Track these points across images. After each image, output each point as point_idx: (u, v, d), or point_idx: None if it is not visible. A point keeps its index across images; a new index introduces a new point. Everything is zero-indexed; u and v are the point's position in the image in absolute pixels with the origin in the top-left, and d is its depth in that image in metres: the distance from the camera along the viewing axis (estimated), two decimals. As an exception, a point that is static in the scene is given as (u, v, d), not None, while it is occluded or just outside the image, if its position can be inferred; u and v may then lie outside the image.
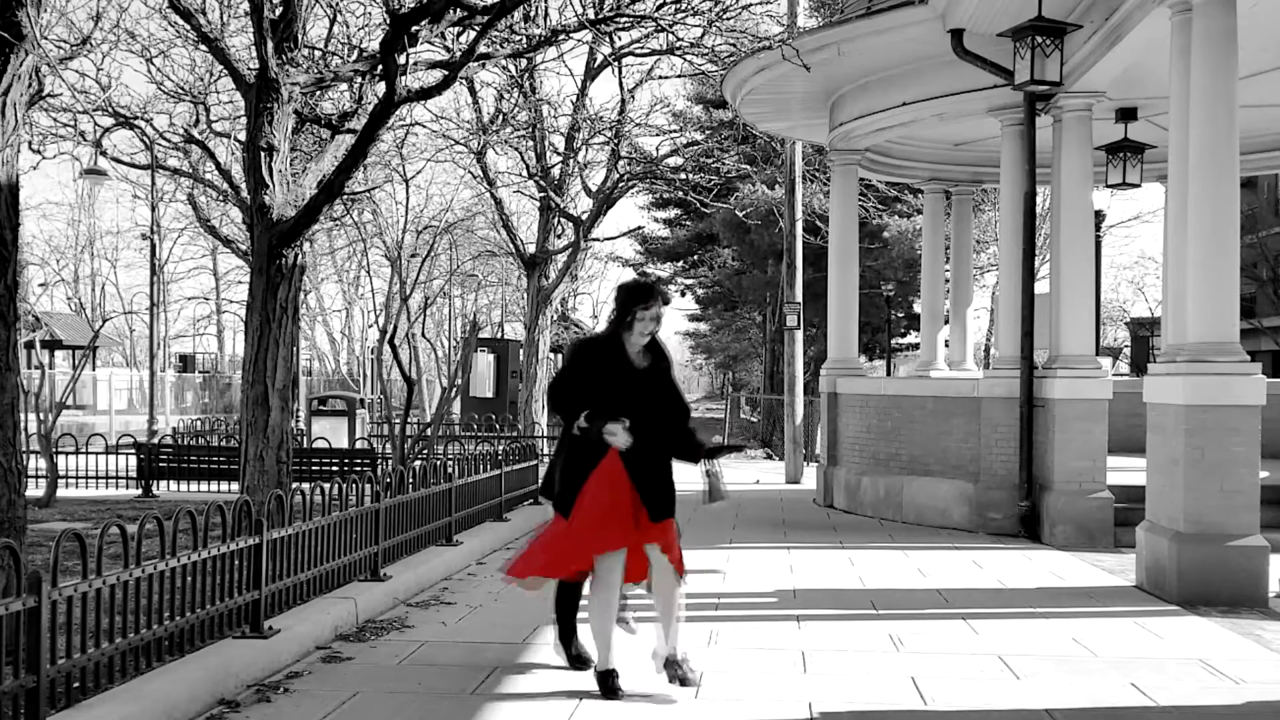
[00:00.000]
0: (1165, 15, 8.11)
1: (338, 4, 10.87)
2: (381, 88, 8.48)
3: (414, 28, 8.14)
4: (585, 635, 5.64)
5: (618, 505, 5.19)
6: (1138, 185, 12.97)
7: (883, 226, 30.21)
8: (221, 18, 10.88)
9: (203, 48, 10.56)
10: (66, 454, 14.45)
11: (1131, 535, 8.89)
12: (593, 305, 42.24)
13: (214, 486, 14.07)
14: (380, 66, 8.45)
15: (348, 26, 11.23)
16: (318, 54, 10.69)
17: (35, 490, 11.79)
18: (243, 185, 12.96)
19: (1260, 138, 13.13)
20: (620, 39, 17.09)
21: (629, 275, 44.21)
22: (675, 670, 5.33)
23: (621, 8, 9.47)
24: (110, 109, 14.42)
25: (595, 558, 5.26)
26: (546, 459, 18.74)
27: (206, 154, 14.50)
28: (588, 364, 5.32)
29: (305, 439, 17.24)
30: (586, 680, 5.53)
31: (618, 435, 5.15)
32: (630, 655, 5.60)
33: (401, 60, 8.26)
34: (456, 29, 9.05)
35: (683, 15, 9.64)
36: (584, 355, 5.39)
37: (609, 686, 5.28)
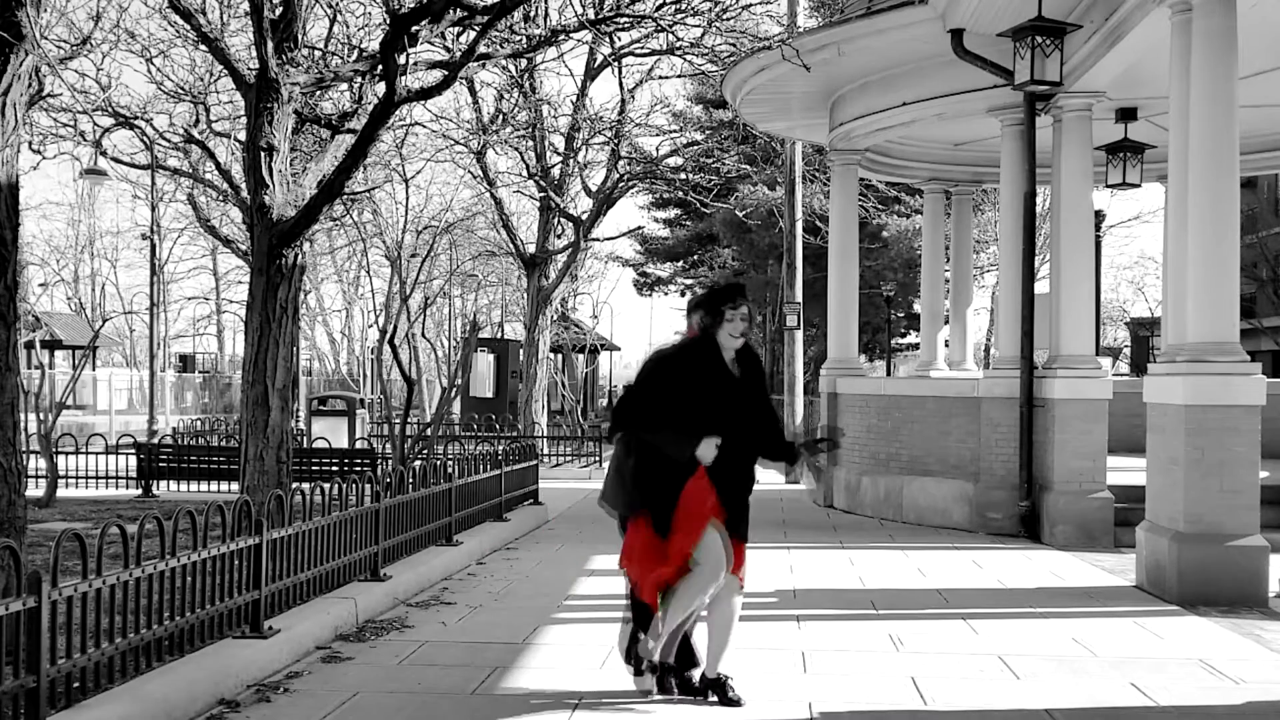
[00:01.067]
0: (1165, 15, 8.11)
1: (338, 4, 10.87)
2: (381, 88, 8.48)
3: (414, 28, 8.14)
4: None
5: (711, 515, 4.95)
6: (1138, 185, 12.98)
7: (883, 226, 30.22)
8: (221, 18, 10.89)
9: (203, 48, 10.57)
10: (66, 454, 14.45)
11: (1131, 535, 8.89)
12: (593, 305, 42.20)
13: (214, 486, 14.06)
14: (380, 66, 8.45)
15: (348, 26, 11.24)
16: (318, 54, 10.70)
17: (35, 490, 11.79)
18: (243, 185, 12.96)
19: (1260, 138, 13.13)
20: (620, 39, 17.13)
21: (629, 275, 44.25)
22: (723, 693, 5.11)
23: (621, 8, 9.47)
24: (110, 109, 14.42)
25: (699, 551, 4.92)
26: (546, 459, 18.86)
27: (206, 154, 14.50)
28: (678, 375, 4.95)
29: (305, 439, 17.24)
30: (587, 680, 5.53)
31: (708, 451, 4.85)
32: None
33: (401, 60, 8.26)
34: (456, 29, 9.05)
35: (683, 15, 9.65)
36: (673, 365, 5.02)
37: (730, 696, 5.09)
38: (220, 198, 17.50)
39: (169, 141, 15.85)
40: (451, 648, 6.25)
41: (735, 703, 5.08)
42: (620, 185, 21.44)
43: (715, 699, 5.13)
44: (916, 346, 30.14)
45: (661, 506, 4.93)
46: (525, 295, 24.13)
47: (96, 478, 14.67)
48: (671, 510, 4.90)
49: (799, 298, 17.82)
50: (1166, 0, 7.99)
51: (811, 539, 10.73)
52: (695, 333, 5.10)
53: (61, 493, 13.53)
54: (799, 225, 17.95)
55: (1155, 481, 8.12)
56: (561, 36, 10.29)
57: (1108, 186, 13.42)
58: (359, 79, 9.51)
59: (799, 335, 18.07)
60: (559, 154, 21.65)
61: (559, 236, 22.21)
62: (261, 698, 5.21)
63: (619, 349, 55.03)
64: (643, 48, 16.92)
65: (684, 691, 5.21)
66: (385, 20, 9.39)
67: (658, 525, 4.96)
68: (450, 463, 9.55)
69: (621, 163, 21.20)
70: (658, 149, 23.35)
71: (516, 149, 21.19)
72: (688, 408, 4.89)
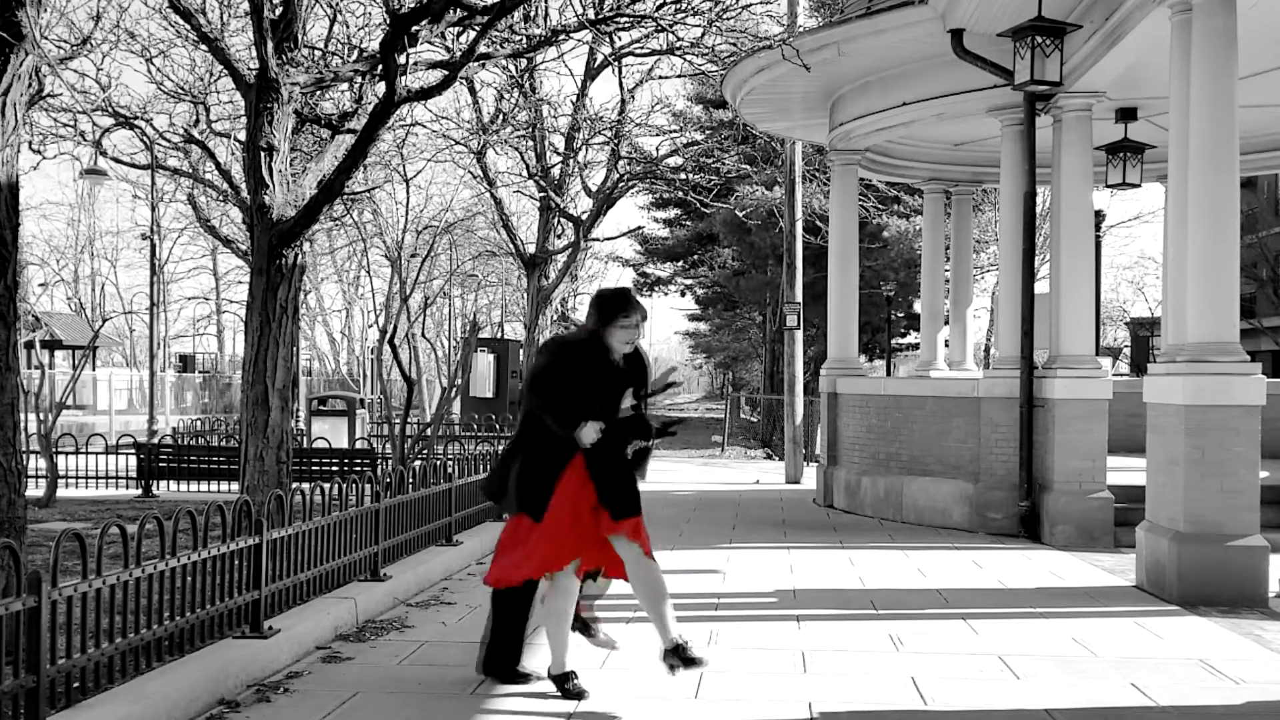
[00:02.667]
0: (1165, 15, 8.11)
1: (338, 4, 10.88)
2: (381, 88, 8.48)
3: (414, 28, 8.14)
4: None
5: (585, 508, 5.15)
6: (1138, 185, 12.97)
7: (883, 226, 30.21)
8: (221, 18, 10.89)
9: (203, 48, 10.57)
10: (66, 454, 14.45)
11: (1131, 535, 8.89)
12: (593, 305, 42.09)
13: (214, 486, 14.07)
14: (380, 66, 8.45)
15: (348, 26, 11.24)
16: (318, 54, 10.70)
17: (35, 490, 11.79)
18: (243, 185, 12.97)
19: (1260, 138, 13.13)
20: (620, 39, 17.11)
21: (629, 275, 44.26)
22: (680, 655, 5.05)
23: (621, 8, 9.48)
24: (110, 109, 14.43)
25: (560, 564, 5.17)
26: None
27: (206, 154, 14.51)
28: (571, 364, 5.21)
29: (305, 439, 17.24)
30: (586, 680, 5.53)
31: (589, 433, 5.10)
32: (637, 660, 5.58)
33: (401, 60, 8.26)
34: (456, 29, 9.05)
35: (683, 15, 9.65)
36: (568, 355, 5.27)
37: (571, 689, 5.24)
38: (220, 198, 17.50)
39: (169, 141, 15.86)
40: (451, 648, 6.25)
41: (692, 661, 5.06)
42: (620, 185, 21.44)
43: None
44: (916, 346, 30.12)
45: (541, 486, 5.15)
46: (525, 295, 24.14)
47: (96, 478, 14.67)
48: (547, 499, 5.12)
49: (799, 298, 17.82)
50: (1166, 0, 7.99)
51: (811, 539, 10.73)
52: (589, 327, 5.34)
53: (61, 493, 13.53)
54: (799, 225, 17.94)
55: (1155, 481, 8.12)
56: (561, 36, 10.28)
57: (1108, 186, 13.42)
58: (359, 79, 9.52)
59: (799, 335, 18.07)
60: (559, 154, 21.65)
61: (559, 236, 22.20)
62: (261, 698, 5.21)
63: (619, 349, 54.95)
64: (643, 48, 16.93)
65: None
66: (385, 20, 9.39)
67: (531, 506, 5.16)
68: (450, 463, 9.55)
69: (621, 163, 21.20)
70: (658, 149, 23.35)
71: (516, 149, 21.19)
72: (579, 393, 5.16)
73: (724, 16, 10.63)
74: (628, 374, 5.32)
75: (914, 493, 11.85)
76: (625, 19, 9.63)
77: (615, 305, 5.23)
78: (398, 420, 13.91)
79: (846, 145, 13.41)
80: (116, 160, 18.35)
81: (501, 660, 5.51)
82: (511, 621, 5.50)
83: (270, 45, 8.67)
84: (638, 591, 5.22)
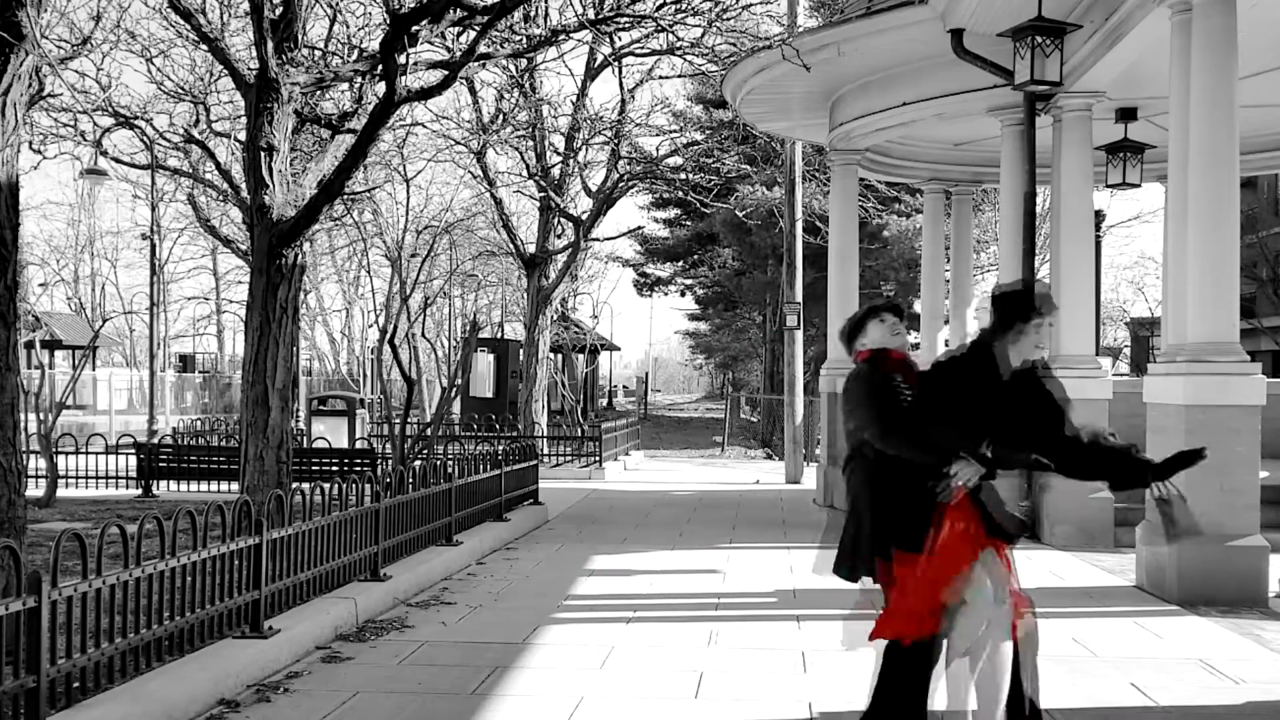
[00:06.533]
0: (1165, 15, 8.10)
1: (338, 4, 10.88)
2: (381, 88, 8.48)
3: (414, 28, 8.14)
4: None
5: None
6: (1138, 185, 12.97)
7: (883, 226, 30.19)
8: (221, 18, 10.89)
9: (203, 48, 10.57)
10: (66, 454, 14.44)
11: (1131, 535, 8.88)
12: (593, 305, 42.21)
13: (214, 486, 14.06)
14: (380, 66, 8.45)
15: (348, 26, 11.24)
16: (318, 54, 10.70)
17: (35, 490, 11.79)
18: (243, 185, 12.96)
19: (1260, 138, 13.12)
20: (620, 39, 17.13)
21: (629, 275, 44.22)
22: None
23: (621, 8, 9.47)
24: (110, 109, 14.43)
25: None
26: (546, 459, 18.78)
27: (206, 154, 14.51)
28: (953, 384, 4.27)
29: (305, 439, 17.24)
30: (587, 680, 5.53)
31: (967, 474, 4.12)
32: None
33: (401, 60, 8.26)
34: (456, 29, 9.05)
35: (683, 15, 9.65)
36: (950, 375, 4.33)
37: None
38: (220, 198, 17.50)
39: (169, 141, 15.86)
40: (451, 648, 6.25)
41: None
42: (620, 185, 21.42)
43: None
44: (916, 346, 30.10)
45: (919, 519, 4.17)
46: (525, 295, 24.11)
47: (96, 478, 14.67)
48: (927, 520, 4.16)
49: (799, 298, 17.81)
50: (1166, 0, 7.99)
51: (812, 539, 10.69)
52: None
53: (61, 493, 13.53)
54: (799, 225, 17.95)
55: (1155, 481, 8.10)
56: (561, 36, 10.28)
57: (1108, 186, 13.42)
58: (359, 79, 9.51)
59: (799, 335, 18.06)
60: (559, 154, 21.64)
61: (559, 236, 22.18)
62: (261, 698, 5.21)
63: (619, 349, 55.09)
64: (643, 48, 16.94)
65: None
66: (385, 20, 9.39)
67: (907, 541, 4.19)
68: (450, 463, 9.55)
69: (621, 163, 21.18)
70: (658, 149, 23.33)
71: (516, 149, 21.17)
72: (960, 416, 4.22)
73: (724, 16, 10.64)
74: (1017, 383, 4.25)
75: (914, 493, 11.82)
76: (625, 19, 9.63)
77: (1023, 303, 4.24)
78: (398, 420, 13.90)
79: (846, 145, 13.40)
80: (116, 160, 18.35)
81: None
82: (916, 684, 4.44)
83: (270, 45, 8.66)
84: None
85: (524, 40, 10.03)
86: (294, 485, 7.50)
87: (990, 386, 4.22)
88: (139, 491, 14.07)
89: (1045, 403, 4.29)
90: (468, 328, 19.96)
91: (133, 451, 14.80)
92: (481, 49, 8.81)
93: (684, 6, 9.57)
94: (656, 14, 9.53)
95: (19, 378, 5.66)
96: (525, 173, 21.53)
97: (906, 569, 4.20)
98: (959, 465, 4.12)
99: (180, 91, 13.87)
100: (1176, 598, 7.54)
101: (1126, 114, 12.03)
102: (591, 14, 9.73)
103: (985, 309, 4.52)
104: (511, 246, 22.30)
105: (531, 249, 21.82)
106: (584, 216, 21.31)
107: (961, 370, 4.31)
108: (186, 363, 45.53)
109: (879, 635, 4.38)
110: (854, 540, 4.39)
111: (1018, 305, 4.26)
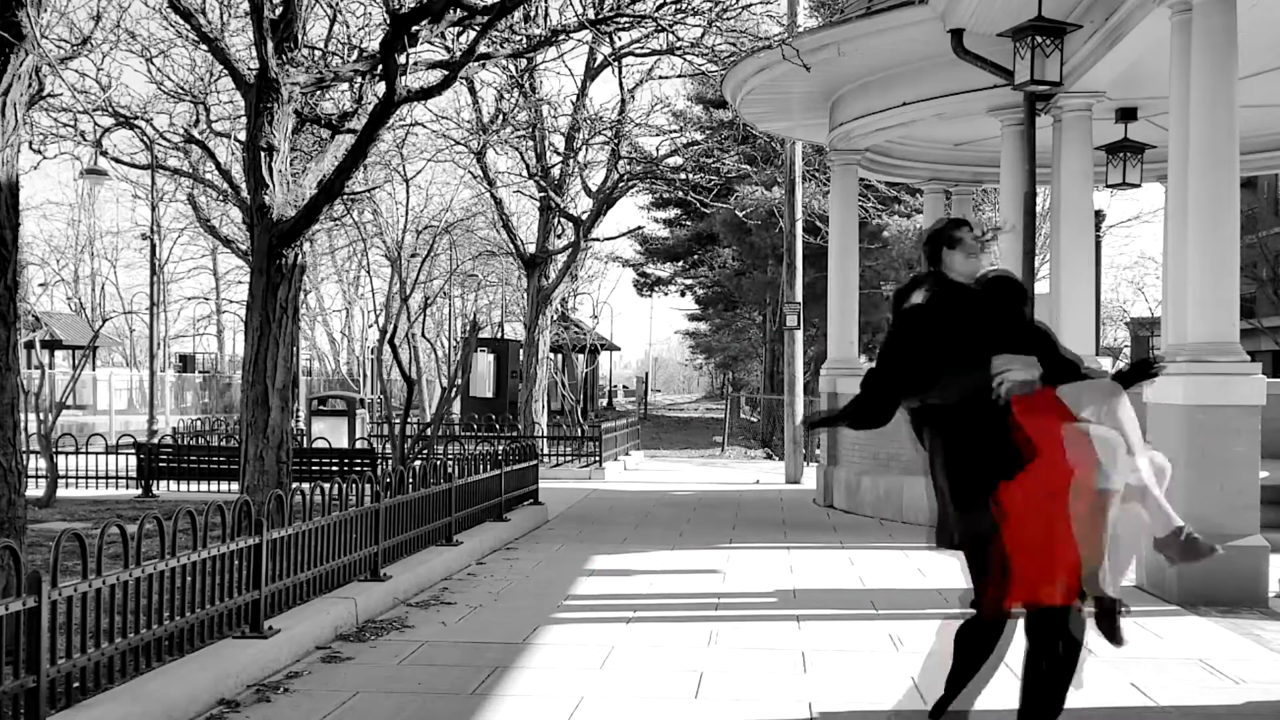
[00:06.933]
0: (1165, 15, 8.10)
1: (338, 4, 10.88)
2: (381, 88, 8.48)
3: (414, 28, 8.14)
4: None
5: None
6: (1138, 185, 12.97)
7: (883, 226, 30.18)
8: (221, 18, 10.89)
9: (203, 48, 10.58)
10: (66, 454, 14.44)
11: (1131, 535, 8.87)
12: (593, 305, 42.24)
13: (214, 486, 14.06)
14: (380, 66, 8.45)
15: (348, 26, 11.24)
16: (318, 54, 10.70)
17: (35, 490, 11.78)
18: (243, 185, 12.96)
19: (1260, 138, 13.12)
20: (620, 39, 17.13)
21: (629, 275, 44.26)
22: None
23: (621, 8, 9.48)
24: (110, 109, 14.43)
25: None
26: (546, 459, 18.80)
27: (206, 154, 14.51)
28: (932, 323, 4.13)
29: (305, 439, 17.23)
30: (587, 680, 5.53)
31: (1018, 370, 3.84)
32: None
33: (401, 60, 8.26)
34: (456, 29, 9.05)
35: (683, 15, 9.65)
36: (926, 314, 4.19)
37: None
38: (220, 198, 17.50)
39: (169, 141, 15.86)
40: (451, 648, 6.25)
41: None
42: (620, 185, 21.42)
43: None
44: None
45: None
46: (525, 295, 24.10)
47: (96, 478, 14.67)
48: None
49: (799, 298, 17.81)
50: (1166, 0, 7.98)
51: (811, 539, 10.73)
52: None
53: (61, 493, 13.53)
54: (799, 225, 17.94)
55: (1155, 481, 8.11)
56: (561, 36, 10.29)
57: (1108, 186, 13.42)
58: (359, 79, 9.51)
59: (799, 335, 18.06)
60: (559, 154, 21.64)
61: (559, 236, 22.18)
62: (261, 698, 5.21)
63: (619, 349, 55.11)
64: (643, 48, 16.94)
65: None
66: (385, 20, 9.39)
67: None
68: (450, 463, 9.55)
69: (621, 163, 21.19)
70: (658, 149, 23.33)
71: (516, 149, 21.17)
72: (945, 355, 4.13)
73: (724, 16, 10.64)
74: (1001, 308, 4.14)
75: (914, 493, 11.83)
76: (625, 19, 9.63)
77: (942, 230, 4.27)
78: (398, 420, 13.91)
79: (846, 145, 13.40)
80: (116, 160, 18.35)
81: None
82: (971, 661, 4.38)
83: (270, 45, 8.67)
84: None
85: (524, 40, 10.03)
86: (294, 485, 7.50)
87: (967, 302, 4.22)
88: (139, 491, 14.06)
89: (1027, 322, 4.43)
90: (468, 328, 19.96)
91: (133, 451, 14.80)
92: (481, 49, 8.81)
93: (684, 6, 9.57)
94: (656, 14, 9.53)
95: (19, 378, 5.66)
96: (525, 173, 21.53)
97: (1015, 494, 3.91)
98: (1000, 362, 3.88)
99: (180, 91, 13.88)
100: (1176, 597, 7.53)
101: (1126, 114, 12.03)
102: (591, 14, 9.74)
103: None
104: (511, 246, 22.30)
105: (531, 249, 21.82)
106: (584, 216, 21.31)
107: (935, 305, 4.22)
108: (186, 363, 45.53)
109: (1013, 602, 4.04)
110: (944, 506, 4.36)
111: (936, 235, 4.35)
